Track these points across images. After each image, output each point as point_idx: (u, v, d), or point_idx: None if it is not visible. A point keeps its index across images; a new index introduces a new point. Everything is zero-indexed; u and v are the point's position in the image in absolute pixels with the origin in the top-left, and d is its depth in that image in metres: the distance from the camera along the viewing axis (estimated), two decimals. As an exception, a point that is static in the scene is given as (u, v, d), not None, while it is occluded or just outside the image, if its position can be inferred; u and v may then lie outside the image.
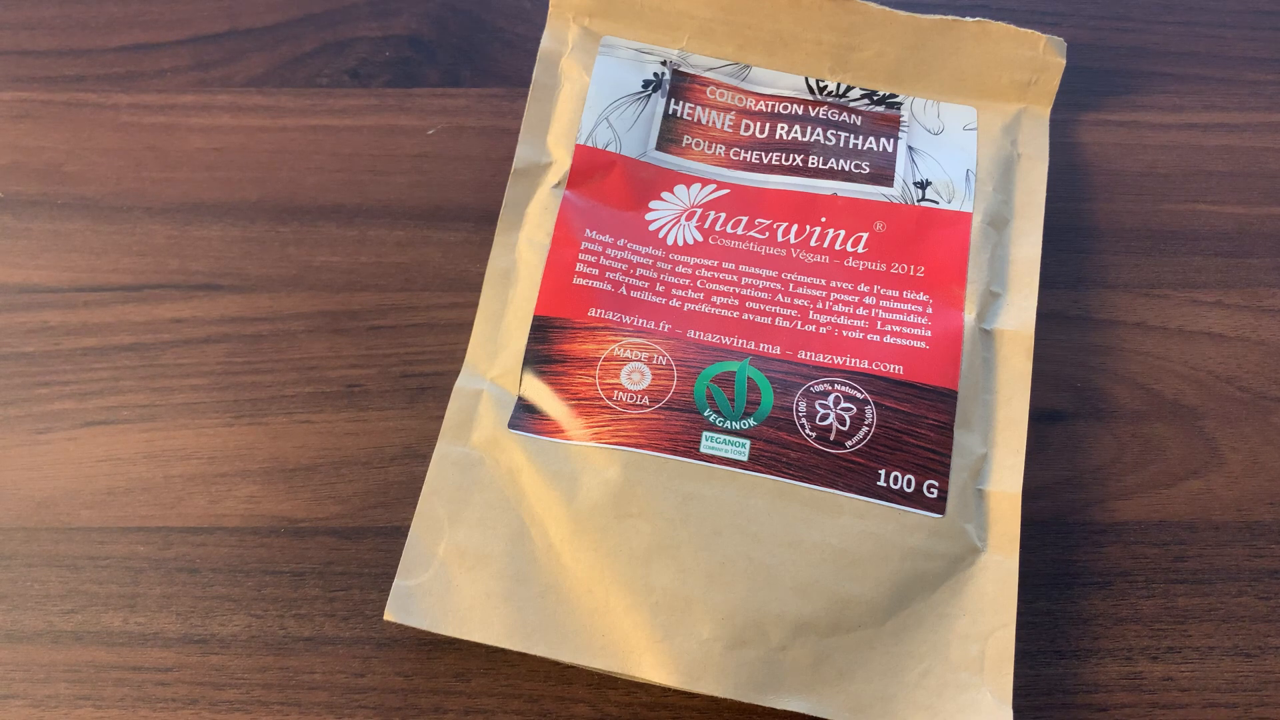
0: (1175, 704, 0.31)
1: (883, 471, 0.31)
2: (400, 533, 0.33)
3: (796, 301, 0.33)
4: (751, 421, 0.31)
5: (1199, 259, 0.37)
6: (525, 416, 0.32)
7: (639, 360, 0.32)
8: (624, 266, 0.34)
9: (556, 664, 0.31)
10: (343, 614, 0.32)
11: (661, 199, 0.35)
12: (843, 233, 0.35)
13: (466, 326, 0.35)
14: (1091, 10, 0.42)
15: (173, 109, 0.39)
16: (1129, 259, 0.37)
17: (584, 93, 0.36)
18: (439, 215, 0.38)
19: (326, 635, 0.31)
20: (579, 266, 0.33)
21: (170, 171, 0.38)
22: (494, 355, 0.33)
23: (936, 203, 0.35)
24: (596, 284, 0.33)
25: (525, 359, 0.32)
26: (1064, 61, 0.36)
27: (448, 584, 0.30)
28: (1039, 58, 0.36)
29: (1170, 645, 0.31)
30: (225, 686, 0.31)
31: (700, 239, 0.34)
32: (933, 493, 0.31)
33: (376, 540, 0.33)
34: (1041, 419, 0.34)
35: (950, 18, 0.36)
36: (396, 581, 0.30)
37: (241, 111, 0.39)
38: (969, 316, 0.33)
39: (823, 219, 0.35)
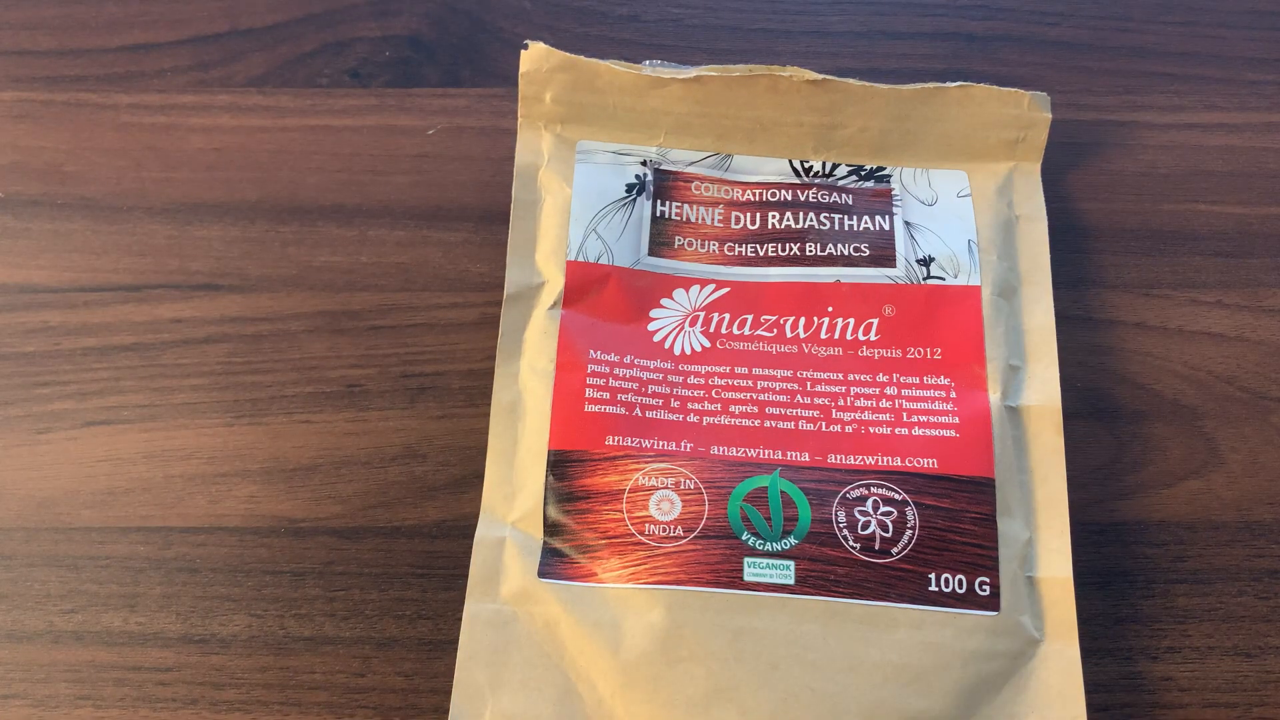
0: (1175, 704, 0.31)
1: (932, 575, 0.30)
2: (400, 533, 0.33)
3: (817, 401, 0.32)
4: (792, 540, 0.30)
5: (1199, 259, 0.37)
6: (554, 562, 0.30)
7: (666, 487, 0.31)
8: (635, 385, 0.32)
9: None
10: (343, 614, 0.32)
11: (662, 306, 0.34)
12: (852, 321, 0.33)
13: (467, 326, 0.35)
14: (1091, 10, 0.42)
15: (173, 109, 0.39)
16: (1129, 259, 0.37)
17: (567, 205, 0.35)
18: (439, 215, 0.38)
19: (326, 635, 0.31)
20: (588, 392, 0.32)
21: (170, 171, 0.38)
22: (511, 497, 0.31)
23: (943, 279, 0.34)
24: (610, 409, 0.32)
25: (545, 498, 0.31)
26: (1049, 116, 0.36)
27: None
28: (1024, 115, 0.36)
29: (1170, 645, 0.31)
30: (225, 686, 0.31)
31: (708, 344, 0.33)
32: (985, 590, 0.30)
33: (376, 540, 0.33)
34: (1041, 419, 0.34)
35: (932, 85, 0.35)
36: None
37: (241, 111, 0.39)
38: (994, 396, 0.32)
39: (829, 308, 0.34)
